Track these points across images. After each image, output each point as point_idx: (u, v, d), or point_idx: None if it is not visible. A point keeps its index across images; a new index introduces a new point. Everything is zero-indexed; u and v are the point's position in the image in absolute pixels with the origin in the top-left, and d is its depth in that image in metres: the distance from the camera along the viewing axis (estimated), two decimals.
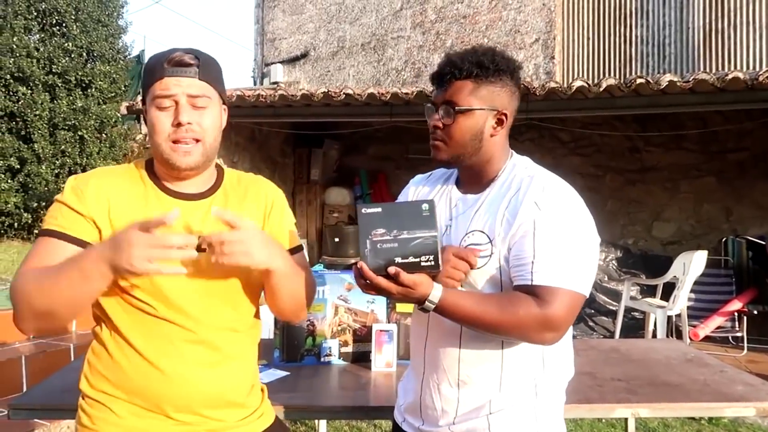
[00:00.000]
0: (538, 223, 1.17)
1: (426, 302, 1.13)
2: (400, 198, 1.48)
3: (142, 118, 9.00)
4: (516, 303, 1.14)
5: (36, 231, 6.97)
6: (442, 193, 1.39)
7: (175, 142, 1.18)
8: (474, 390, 1.25)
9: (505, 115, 1.29)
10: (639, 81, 4.40)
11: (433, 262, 1.11)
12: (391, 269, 1.09)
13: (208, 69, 1.20)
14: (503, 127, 1.30)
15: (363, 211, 1.13)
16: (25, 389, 3.45)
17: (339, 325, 2.21)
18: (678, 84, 4.34)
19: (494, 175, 1.30)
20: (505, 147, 1.32)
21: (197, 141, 1.19)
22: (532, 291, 1.15)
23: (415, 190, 1.46)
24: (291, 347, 2.17)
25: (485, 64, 1.25)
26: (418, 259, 1.11)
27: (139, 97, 5.64)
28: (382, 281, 1.10)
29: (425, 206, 1.14)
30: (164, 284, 1.17)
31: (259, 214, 1.32)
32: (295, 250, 1.36)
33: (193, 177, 1.25)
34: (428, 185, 1.45)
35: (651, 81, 4.39)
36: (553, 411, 1.29)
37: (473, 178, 1.32)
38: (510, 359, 1.24)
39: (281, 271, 1.20)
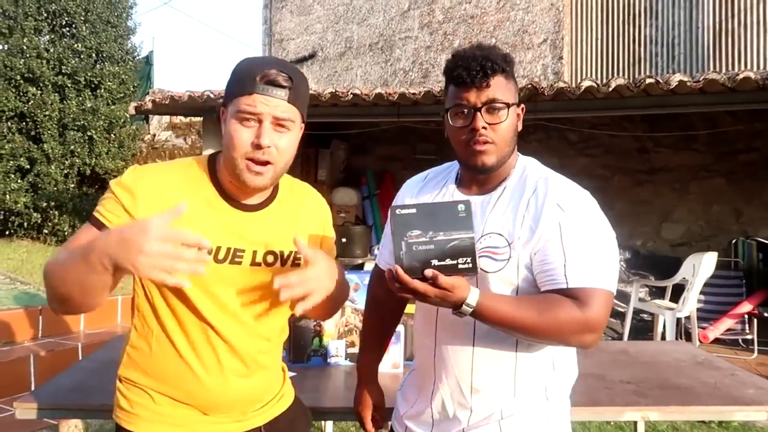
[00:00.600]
0: (564, 225, 1.15)
1: (463, 306, 1.08)
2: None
3: (150, 119, 9.05)
4: (555, 306, 1.11)
5: (45, 231, 7.03)
6: (443, 194, 1.33)
7: (249, 160, 1.15)
8: (488, 397, 1.23)
9: (523, 109, 1.27)
10: (648, 81, 4.36)
11: (470, 264, 1.08)
12: (428, 272, 1.05)
13: (298, 91, 1.17)
14: (521, 122, 1.27)
15: (397, 212, 1.09)
16: (33, 388, 3.47)
17: (346, 325, 2.20)
18: (688, 84, 4.30)
19: (505, 175, 1.27)
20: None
21: (270, 164, 1.17)
22: (568, 294, 1.12)
23: (412, 199, 1.38)
24: (298, 348, 2.17)
25: (509, 60, 1.22)
26: (455, 261, 1.07)
27: (148, 98, 5.67)
28: (418, 284, 1.06)
29: (461, 207, 1.10)
30: (215, 290, 1.19)
31: (318, 230, 1.36)
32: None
33: (258, 194, 1.24)
34: (426, 190, 1.38)
35: (660, 81, 4.36)
36: (562, 415, 1.28)
37: (485, 179, 1.27)
38: (523, 363, 1.22)
39: (335, 292, 1.22)
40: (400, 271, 1.05)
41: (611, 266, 1.17)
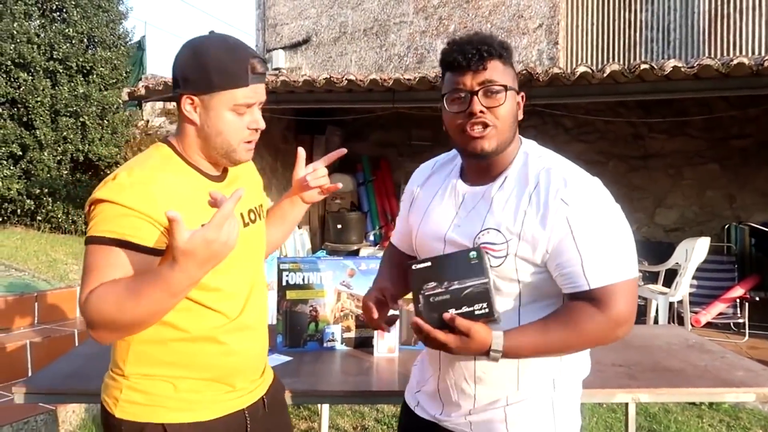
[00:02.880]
0: (573, 221, 1.12)
1: (491, 352, 1.10)
2: (405, 196, 1.47)
3: (143, 105, 8.99)
4: (578, 318, 1.11)
5: (39, 218, 7.00)
6: (446, 186, 1.32)
7: (246, 142, 1.28)
8: (490, 387, 1.24)
9: (523, 98, 1.26)
10: (643, 67, 4.36)
11: (487, 310, 1.10)
12: (446, 315, 1.09)
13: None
14: (521, 110, 1.26)
15: (413, 267, 1.15)
16: (29, 374, 3.49)
17: (341, 310, 2.22)
18: (682, 70, 4.31)
19: (506, 164, 1.24)
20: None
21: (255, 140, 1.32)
22: (591, 296, 1.12)
23: (414, 185, 1.43)
24: (294, 333, 2.18)
25: (506, 45, 1.21)
26: (471, 308, 1.10)
27: (141, 84, 5.63)
28: (439, 334, 1.09)
29: (473, 254, 1.13)
30: (235, 265, 1.25)
31: (259, 189, 1.51)
32: None
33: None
34: (433, 182, 1.38)
35: (655, 67, 4.36)
36: (570, 401, 1.28)
37: (485, 168, 1.25)
38: (527, 359, 1.21)
39: None
40: (421, 322, 1.10)
41: (629, 253, 1.17)
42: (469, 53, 1.15)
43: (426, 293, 1.12)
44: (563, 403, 1.25)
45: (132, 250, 1.12)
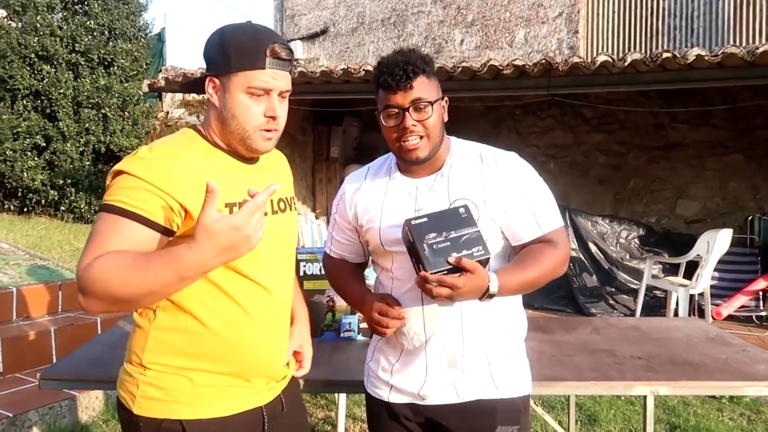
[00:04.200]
0: (522, 183, 1.41)
1: (489, 291, 1.26)
2: (340, 209, 1.55)
3: (163, 96, 9.08)
4: (544, 255, 1.37)
5: (63, 208, 7.13)
6: (390, 183, 1.47)
7: (262, 130, 1.23)
8: (475, 344, 1.41)
9: (446, 101, 1.44)
10: (665, 55, 4.29)
11: (483, 251, 1.26)
12: (451, 259, 1.22)
13: (293, 64, 1.28)
14: (446, 113, 1.44)
15: (412, 222, 1.27)
16: (54, 360, 3.57)
17: None
18: (706, 58, 4.22)
19: (446, 155, 1.44)
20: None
21: (276, 131, 1.27)
22: (544, 239, 1.40)
23: (354, 194, 1.52)
24: (311, 323, 2.20)
25: (428, 60, 1.37)
26: (471, 251, 1.25)
27: (161, 75, 5.68)
28: (447, 278, 1.21)
29: (462, 210, 1.30)
30: (261, 253, 1.20)
31: (291, 183, 1.48)
32: None
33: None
34: (373, 182, 1.50)
35: (678, 55, 4.28)
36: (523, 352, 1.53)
37: (429, 163, 1.41)
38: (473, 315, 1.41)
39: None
40: (428, 274, 1.21)
41: (556, 205, 1.45)
42: (396, 74, 1.32)
43: (429, 242, 1.24)
44: (521, 348, 1.51)
45: (141, 223, 1.10)
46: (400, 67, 1.32)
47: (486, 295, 1.27)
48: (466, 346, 1.40)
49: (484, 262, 1.26)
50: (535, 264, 1.35)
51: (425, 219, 1.28)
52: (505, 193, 1.39)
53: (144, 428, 1.21)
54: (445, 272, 1.22)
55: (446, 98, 1.44)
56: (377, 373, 1.52)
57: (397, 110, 1.35)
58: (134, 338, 1.26)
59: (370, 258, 1.59)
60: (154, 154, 1.16)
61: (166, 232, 1.14)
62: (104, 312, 1.18)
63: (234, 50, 1.19)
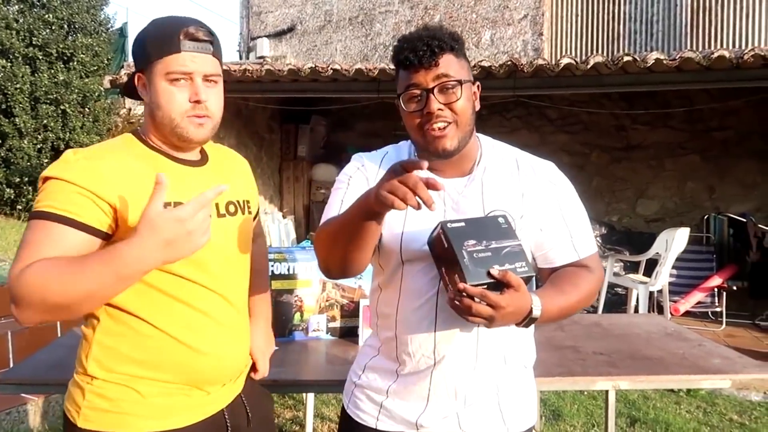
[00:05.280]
0: (561, 200, 1.25)
1: (532, 315, 1.08)
2: (353, 182, 1.32)
3: (124, 92, 8.86)
4: (582, 280, 1.23)
5: (19, 207, 6.90)
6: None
7: (190, 117, 1.17)
8: (484, 371, 1.24)
9: (479, 87, 1.24)
10: (626, 59, 4.40)
11: (527, 268, 1.08)
12: (494, 271, 1.03)
13: (218, 46, 1.20)
14: (478, 101, 1.24)
15: (449, 225, 1.07)
16: (11, 364, 3.45)
17: (327, 300, 2.23)
18: (664, 62, 4.35)
19: (477, 155, 1.25)
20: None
21: (208, 117, 1.19)
22: (580, 263, 1.25)
23: (376, 178, 1.23)
24: (279, 322, 2.19)
25: (457, 37, 1.19)
26: (513, 266, 1.06)
27: (123, 71, 5.55)
28: (491, 294, 1.01)
29: (501, 219, 1.13)
30: (203, 256, 1.15)
31: (250, 188, 1.41)
32: (256, 215, 1.45)
33: (195, 149, 1.27)
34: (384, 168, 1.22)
35: (638, 59, 4.40)
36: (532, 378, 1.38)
37: (457, 161, 1.22)
38: (489, 336, 1.23)
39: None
40: (472, 288, 1.01)
41: (591, 227, 1.31)
42: (420, 50, 1.13)
43: (469, 249, 1.05)
44: (531, 375, 1.36)
45: (71, 227, 1.05)
46: (424, 42, 1.13)
47: (526, 320, 1.08)
48: (477, 374, 1.22)
49: (527, 281, 1.08)
50: (575, 290, 1.20)
51: (462, 223, 1.08)
52: (542, 209, 1.22)
53: None
54: (485, 287, 1.03)
55: (478, 83, 1.24)
56: (367, 394, 1.31)
57: (419, 92, 1.15)
58: (80, 348, 1.19)
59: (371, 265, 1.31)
60: (79, 156, 1.13)
61: (98, 234, 1.09)
62: (40, 322, 1.08)
63: (150, 40, 1.16)
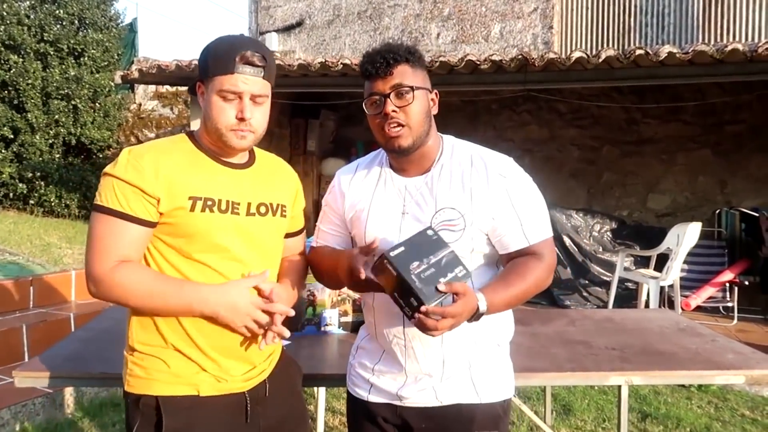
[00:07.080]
0: (511, 191, 1.36)
1: (479, 308, 1.23)
2: (331, 202, 1.53)
3: (136, 88, 8.91)
4: (529, 270, 1.34)
5: (32, 202, 6.96)
6: (384, 181, 1.45)
7: (234, 130, 1.32)
8: (456, 350, 1.39)
9: (437, 94, 1.42)
10: (638, 52, 4.37)
11: (465, 270, 1.23)
12: (441, 286, 1.17)
13: (271, 69, 1.34)
14: (436, 106, 1.41)
15: (391, 254, 1.18)
16: (26, 358, 3.50)
17: (339, 295, 2.24)
18: (677, 55, 4.31)
19: (436, 154, 1.41)
20: (436, 128, 1.44)
21: (252, 132, 1.34)
22: (529, 250, 1.37)
23: (346, 185, 1.50)
24: (292, 317, 2.19)
25: (413, 51, 1.37)
26: (454, 273, 1.21)
27: (134, 66, 5.58)
28: (449, 308, 1.17)
29: (430, 232, 1.26)
30: (220, 240, 1.32)
31: (290, 196, 1.51)
32: (299, 232, 1.57)
33: (238, 154, 1.41)
34: (363, 178, 1.48)
35: (650, 52, 4.36)
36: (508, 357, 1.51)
37: (417, 160, 1.40)
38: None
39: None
40: (429, 307, 1.14)
41: (547, 215, 1.42)
42: (377, 62, 1.33)
43: (416, 272, 1.17)
44: (506, 351, 1.49)
45: (129, 221, 1.27)
46: (381, 56, 1.34)
47: (475, 315, 1.24)
48: (447, 352, 1.39)
49: (466, 279, 1.23)
50: (520, 280, 1.33)
51: (403, 248, 1.20)
52: (492, 200, 1.35)
53: (130, 404, 1.33)
54: (440, 303, 1.16)
55: (436, 91, 1.42)
56: (358, 372, 1.52)
57: (378, 97, 1.35)
58: (127, 324, 1.38)
59: None
60: (131, 155, 1.30)
61: (149, 224, 1.29)
62: (107, 301, 1.33)
63: (211, 57, 1.32)
